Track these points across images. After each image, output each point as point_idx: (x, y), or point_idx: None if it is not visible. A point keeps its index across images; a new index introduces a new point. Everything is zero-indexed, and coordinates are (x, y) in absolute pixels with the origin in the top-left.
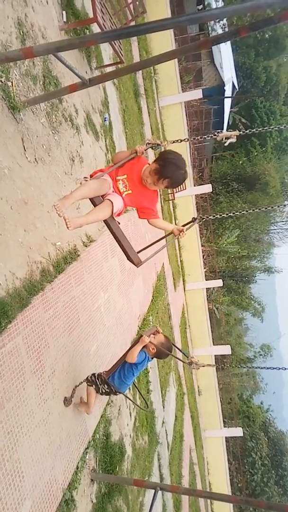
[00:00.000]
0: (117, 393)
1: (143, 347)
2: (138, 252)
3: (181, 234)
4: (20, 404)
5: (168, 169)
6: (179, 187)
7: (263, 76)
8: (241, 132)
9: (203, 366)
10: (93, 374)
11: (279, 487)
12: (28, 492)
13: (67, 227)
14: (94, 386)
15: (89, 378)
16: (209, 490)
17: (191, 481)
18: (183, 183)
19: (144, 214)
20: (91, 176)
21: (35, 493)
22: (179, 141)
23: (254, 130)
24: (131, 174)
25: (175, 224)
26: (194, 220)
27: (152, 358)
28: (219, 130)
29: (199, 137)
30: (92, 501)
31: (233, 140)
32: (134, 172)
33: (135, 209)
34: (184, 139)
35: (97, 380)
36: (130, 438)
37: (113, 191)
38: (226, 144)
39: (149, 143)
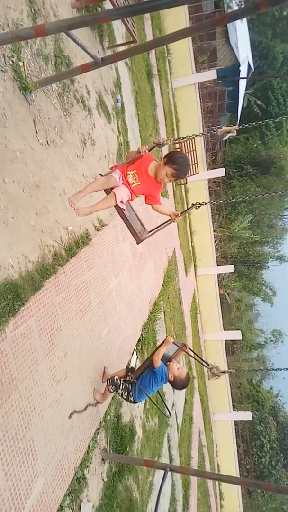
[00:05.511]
0: (132, 402)
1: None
2: (149, 233)
3: (176, 218)
4: (33, 385)
5: (180, 170)
6: (190, 171)
7: (280, 56)
8: (240, 126)
9: (223, 372)
10: (120, 378)
11: (287, 471)
12: (41, 470)
13: (77, 215)
14: (113, 388)
15: (112, 380)
16: (217, 471)
17: (200, 463)
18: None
19: (149, 200)
20: (110, 168)
21: (47, 471)
22: (181, 138)
23: (260, 122)
24: (140, 169)
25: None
26: (192, 206)
27: (167, 381)
28: (219, 126)
29: (202, 133)
30: (103, 480)
31: (233, 134)
32: (143, 167)
33: (144, 196)
34: (186, 137)
35: (121, 385)
36: (140, 420)
37: (122, 183)
38: (225, 139)
39: (154, 143)
